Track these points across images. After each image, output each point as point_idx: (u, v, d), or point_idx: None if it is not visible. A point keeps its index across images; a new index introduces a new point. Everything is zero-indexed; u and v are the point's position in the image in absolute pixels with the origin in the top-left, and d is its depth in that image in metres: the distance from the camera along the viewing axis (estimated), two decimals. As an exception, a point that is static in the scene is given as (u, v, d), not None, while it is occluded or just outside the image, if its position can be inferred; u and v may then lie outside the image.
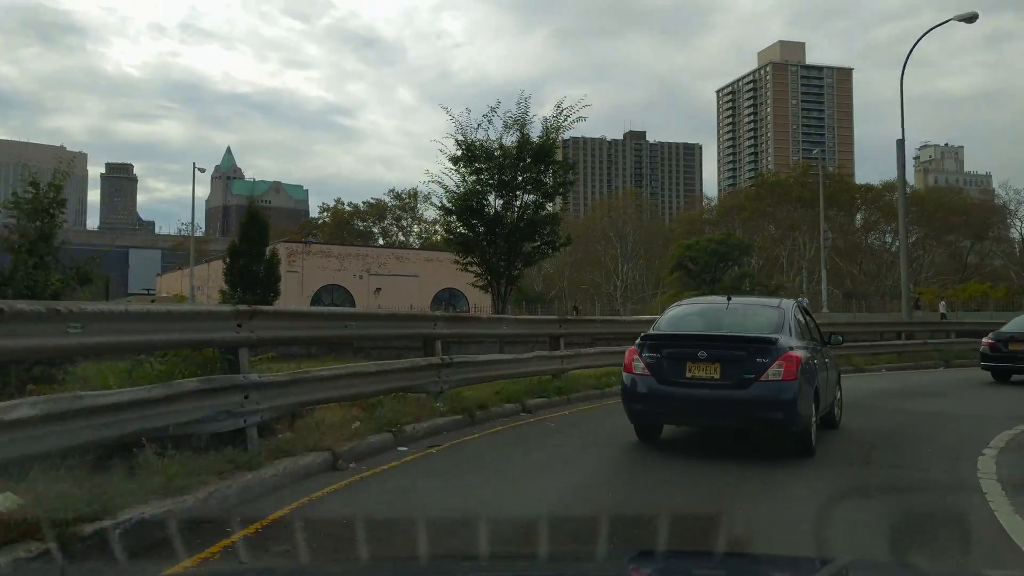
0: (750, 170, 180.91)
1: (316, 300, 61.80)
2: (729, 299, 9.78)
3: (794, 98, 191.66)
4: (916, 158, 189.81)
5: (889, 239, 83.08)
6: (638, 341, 8.72)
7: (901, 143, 23.94)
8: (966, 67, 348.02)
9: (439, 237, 26.78)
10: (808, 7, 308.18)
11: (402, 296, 57.76)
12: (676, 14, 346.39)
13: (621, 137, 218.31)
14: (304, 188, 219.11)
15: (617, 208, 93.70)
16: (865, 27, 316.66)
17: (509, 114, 20.52)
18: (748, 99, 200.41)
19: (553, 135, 20.43)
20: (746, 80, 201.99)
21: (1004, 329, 18.61)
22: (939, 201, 76.64)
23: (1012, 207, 74.06)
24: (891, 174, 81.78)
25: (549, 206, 21.43)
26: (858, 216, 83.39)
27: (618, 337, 16.84)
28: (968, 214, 71.92)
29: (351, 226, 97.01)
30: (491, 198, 20.77)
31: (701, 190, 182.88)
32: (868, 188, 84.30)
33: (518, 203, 20.89)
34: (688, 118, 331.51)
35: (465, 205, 20.45)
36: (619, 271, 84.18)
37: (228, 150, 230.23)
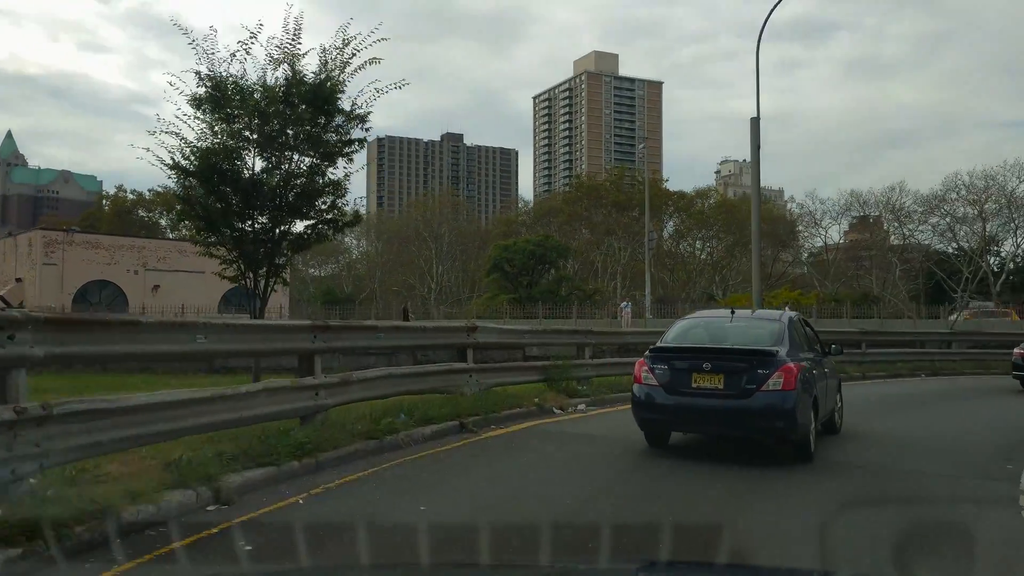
0: (565, 176, 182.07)
1: (80, 298, 52.89)
2: (733, 312, 10.55)
3: (607, 108, 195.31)
4: (717, 172, 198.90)
5: (699, 245, 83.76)
6: (647, 353, 9.36)
7: (756, 121, 20.56)
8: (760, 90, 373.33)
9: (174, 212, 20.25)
10: (618, 24, 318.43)
11: (187, 295, 49.72)
12: (493, 23, 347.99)
13: (438, 138, 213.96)
14: (98, 179, 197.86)
15: (433, 208, 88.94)
16: (669, 47, 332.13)
17: (274, 41, 14.87)
18: (564, 107, 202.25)
19: (337, 74, 14.97)
20: (562, 88, 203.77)
21: None
22: (749, 210, 78.01)
23: (817, 217, 76.53)
24: (698, 184, 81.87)
25: (332, 171, 15.76)
26: (670, 223, 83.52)
27: (423, 349, 13.74)
28: (775, 223, 73.33)
29: (132, 216, 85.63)
30: (249, 157, 15.07)
31: (517, 193, 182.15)
32: (681, 195, 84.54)
33: (288, 166, 15.29)
34: (505, 124, 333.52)
35: (209, 165, 14.56)
36: (434, 272, 79.33)
37: (9, 134, 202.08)
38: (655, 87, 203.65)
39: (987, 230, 68.19)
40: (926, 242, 72.89)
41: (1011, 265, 69.82)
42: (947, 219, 69.71)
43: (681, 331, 10.00)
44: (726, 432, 9.24)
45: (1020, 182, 66.25)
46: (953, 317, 39.97)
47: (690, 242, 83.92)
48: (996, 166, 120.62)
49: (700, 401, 8.70)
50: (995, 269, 69.48)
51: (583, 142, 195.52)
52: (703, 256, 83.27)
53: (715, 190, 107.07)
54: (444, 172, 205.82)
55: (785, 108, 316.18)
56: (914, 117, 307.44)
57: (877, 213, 74.96)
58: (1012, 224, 67.72)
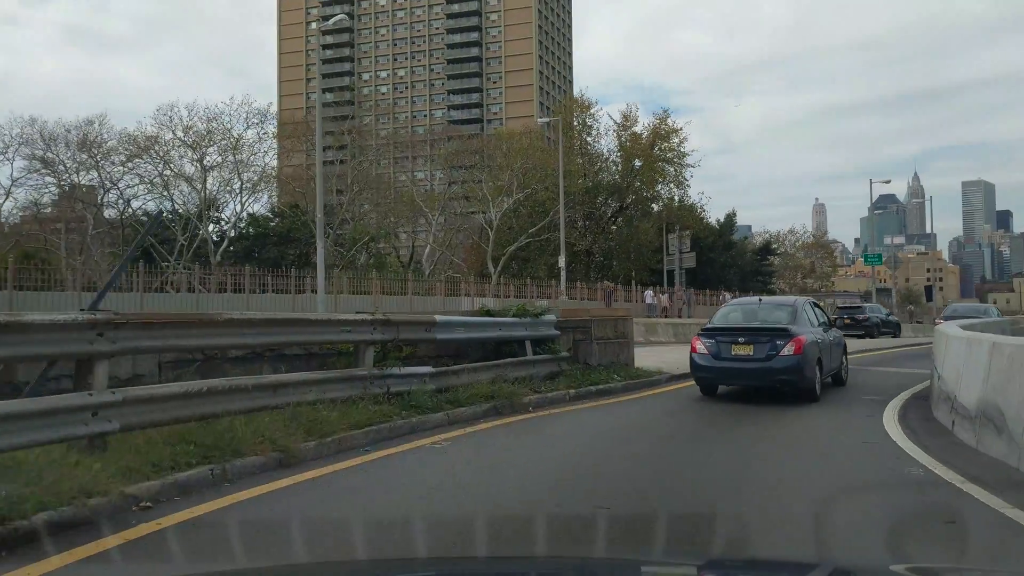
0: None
1: None
2: (760, 300, 15.48)
3: None
4: None
5: None
6: (700, 332, 13.26)
7: None
8: None
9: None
10: None
11: None
12: None
13: None
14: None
15: None
16: None
17: None
18: None
19: None
20: None
21: None
22: None
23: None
24: None
25: None
26: None
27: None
28: None
29: None
30: None
31: None
32: None
33: None
34: None
35: None
36: None
37: None
38: None
39: (207, 188, 55.16)
40: (139, 196, 56.21)
41: (233, 232, 58.74)
42: (161, 166, 54.16)
43: (723, 314, 14.24)
44: (756, 384, 12.86)
45: (248, 126, 55.37)
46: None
47: None
48: (222, 103, 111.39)
49: (738, 364, 12.54)
50: (215, 237, 57.35)
51: None
52: None
53: None
54: None
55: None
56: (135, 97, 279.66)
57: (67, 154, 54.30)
58: (236, 182, 56.35)
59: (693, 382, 13.58)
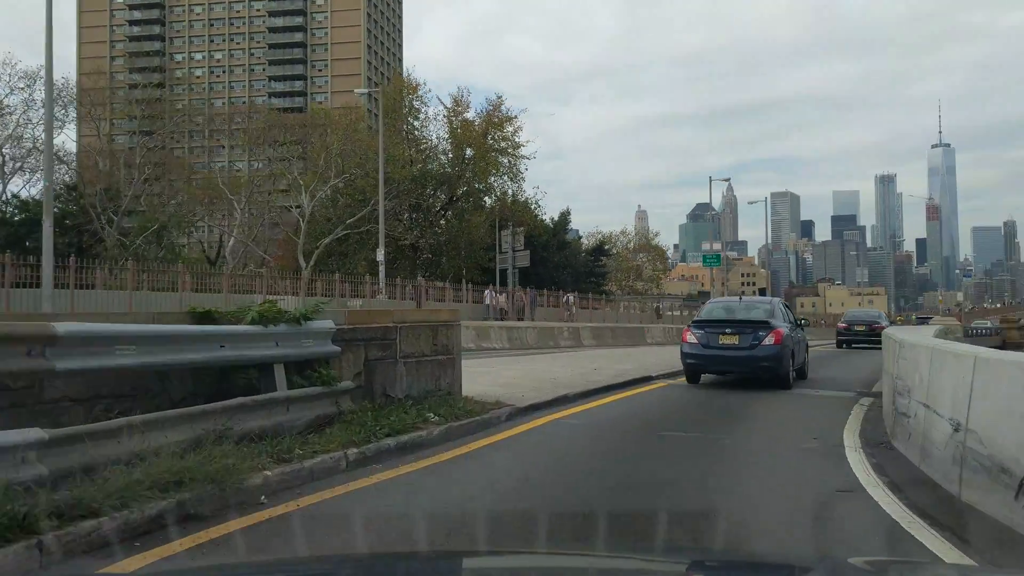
0: None
1: None
2: (741, 298, 18.30)
3: None
4: None
5: None
6: (691, 324, 15.16)
7: None
8: None
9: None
10: None
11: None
12: None
13: None
14: None
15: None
16: None
17: None
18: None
19: None
20: None
21: None
22: None
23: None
24: None
25: None
26: None
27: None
28: None
29: None
30: None
31: None
32: None
33: None
34: None
35: None
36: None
37: None
38: None
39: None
40: None
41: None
42: None
43: (710, 309, 16.16)
44: (740, 371, 14.44)
45: (12, 91, 46.39)
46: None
47: None
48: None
49: (724, 352, 14.17)
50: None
51: None
52: None
53: None
54: None
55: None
56: None
57: None
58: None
59: (551, 414, 10.80)
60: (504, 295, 45.20)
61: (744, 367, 14.13)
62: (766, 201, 72.82)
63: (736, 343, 13.93)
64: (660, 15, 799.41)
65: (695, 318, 15.60)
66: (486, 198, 54.23)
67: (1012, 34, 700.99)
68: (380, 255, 34.09)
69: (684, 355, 14.54)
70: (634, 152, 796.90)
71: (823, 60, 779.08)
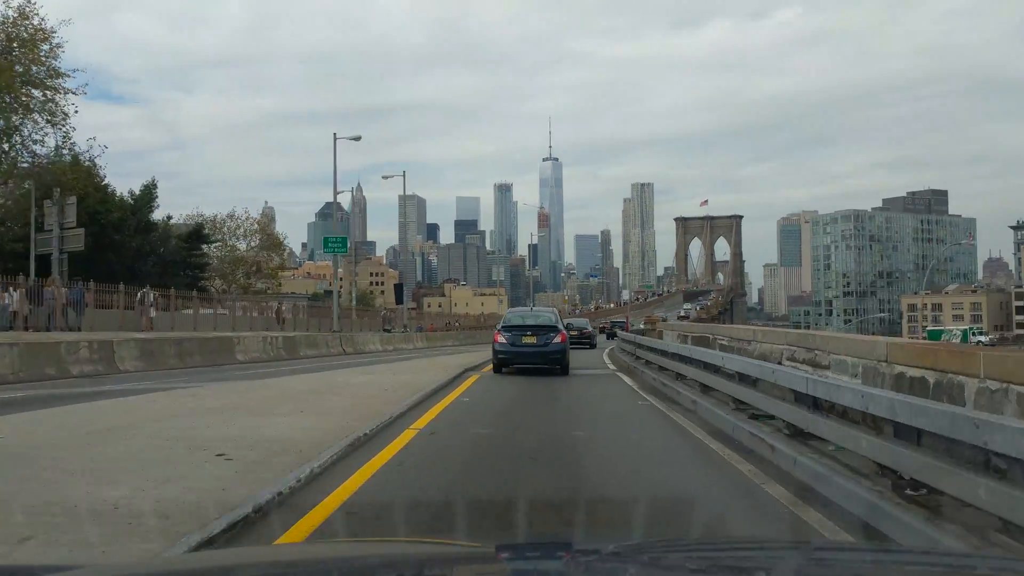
0: None
1: None
2: (532, 307, 29.75)
3: None
4: None
5: None
6: (499, 327, 20.96)
7: None
8: None
9: None
10: None
11: None
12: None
13: None
14: None
15: None
16: None
17: None
18: None
19: None
20: None
21: None
22: None
23: None
24: None
25: None
26: None
27: None
28: None
29: None
30: None
31: None
32: None
33: None
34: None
35: None
36: None
37: None
38: None
39: None
40: None
41: None
42: None
43: (512, 316, 22.37)
44: (537, 363, 19.83)
45: None
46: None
47: None
48: None
49: (526, 348, 19.90)
50: None
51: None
52: None
53: None
54: None
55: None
56: None
57: None
58: None
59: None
60: (19, 293, 29.26)
61: (541, 360, 19.93)
62: (401, 200, 63.79)
63: (534, 342, 19.99)
64: (289, 11, 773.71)
65: (502, 323, 21.26)
66: (7, 147, 36.73)
67: (612, 65, 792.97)
68: None
69: (496, 351, 20.20)
70: (263, 147, 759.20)
71: (449, 71, 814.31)
